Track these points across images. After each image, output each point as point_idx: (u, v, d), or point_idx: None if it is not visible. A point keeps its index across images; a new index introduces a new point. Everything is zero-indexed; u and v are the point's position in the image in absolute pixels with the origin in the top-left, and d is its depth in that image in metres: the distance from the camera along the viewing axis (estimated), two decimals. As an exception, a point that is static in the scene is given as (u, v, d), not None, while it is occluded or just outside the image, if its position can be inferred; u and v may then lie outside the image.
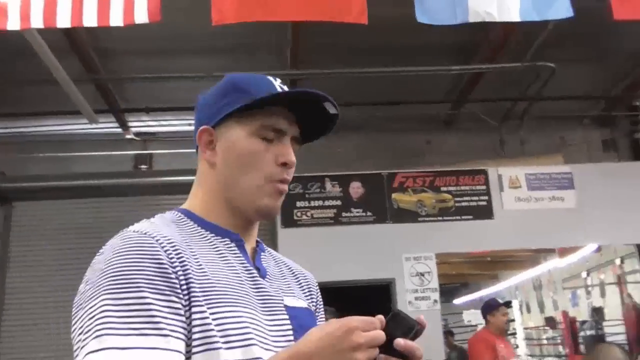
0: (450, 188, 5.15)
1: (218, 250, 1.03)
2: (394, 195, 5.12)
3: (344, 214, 5.07)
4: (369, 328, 0.85)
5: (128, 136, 5.90)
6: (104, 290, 0.86)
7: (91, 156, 5.77)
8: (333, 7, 2.72)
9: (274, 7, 2.62)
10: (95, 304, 0.85)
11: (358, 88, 5.35)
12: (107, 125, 5.67)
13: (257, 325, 0.97)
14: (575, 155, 5.89)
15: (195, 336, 0.89)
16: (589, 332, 6.61)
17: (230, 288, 0.97)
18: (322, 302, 1.24)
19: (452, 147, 6.03)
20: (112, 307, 0.84)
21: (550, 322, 8.68)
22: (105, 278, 0.87)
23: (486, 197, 5.13)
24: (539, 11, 2.76)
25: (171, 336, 0.86)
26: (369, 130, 6.05)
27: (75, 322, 0.88)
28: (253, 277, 1.04)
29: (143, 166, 5.95)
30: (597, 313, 6.73)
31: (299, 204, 5.05)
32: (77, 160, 5.75)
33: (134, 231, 0.95)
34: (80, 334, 0.86)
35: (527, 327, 9.78)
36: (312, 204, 5.07)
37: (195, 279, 0.93)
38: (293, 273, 1.20)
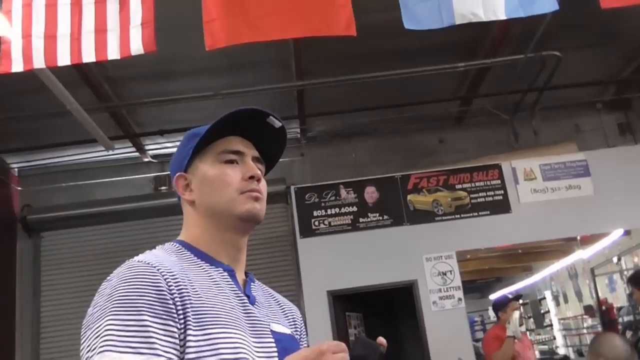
0: (465, 185, 5.12)
1: (212, 278, 1.13)
2: (409, 197, 5.12)
3: (361, 220, 5.08)
4: (338, 350, 0.98)
5: (145, 159, 6.03)
6: (110, 312, 0.97)
7: (112, 182, 5.93)
8: (320, 22, 2.75)
9: (261, 28, 2.67)
10: (102, 324, 0.96)
11: (365, 93, 5.38)
12: (124, 151, 5.83)
13: (247, 346, 1.05)
14: (592, 141, 5.82)
15: (188, 357, 0.98)
16: (626, 318, 6.46)
17: (223, 311, 1.06)
18: (305, 333, 1.35)
19: (465, 143, 6.01)
20: (115, 327, 0.95)
21: (590, 310, 8.50)
22: (112, 302, 0.98)
23: (502, 192, 5.10)
24: (524, 7, 2.75)
25: (164, 356, 0.95)
26: (380, 134, 6.08)
27: (84, 341, 0.99)
28: (243, 303, 1.14)
29: (163, 187, 6.08)
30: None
31: (315, 213, 5.09)
32: (99, 187, 5.91)
33: (138, 261, 1.06)
34: (88, 351, 0.96)
35: (563, 318, 9.58)
36: (329, 212, 5.10)
37: (191, 305, 1.02)
38: (279, 304, 1.31)
